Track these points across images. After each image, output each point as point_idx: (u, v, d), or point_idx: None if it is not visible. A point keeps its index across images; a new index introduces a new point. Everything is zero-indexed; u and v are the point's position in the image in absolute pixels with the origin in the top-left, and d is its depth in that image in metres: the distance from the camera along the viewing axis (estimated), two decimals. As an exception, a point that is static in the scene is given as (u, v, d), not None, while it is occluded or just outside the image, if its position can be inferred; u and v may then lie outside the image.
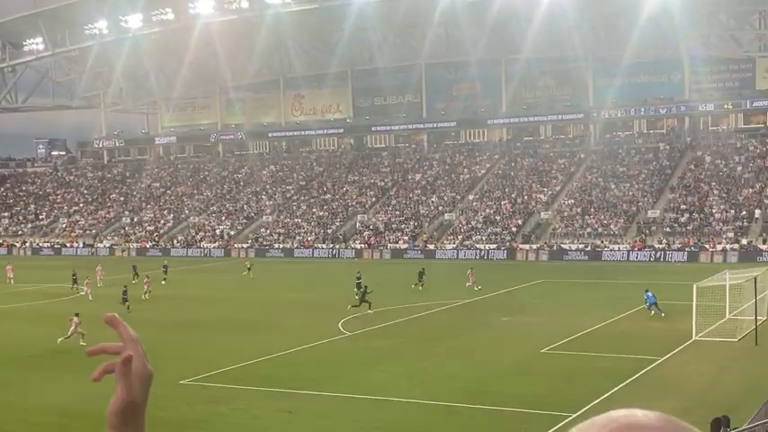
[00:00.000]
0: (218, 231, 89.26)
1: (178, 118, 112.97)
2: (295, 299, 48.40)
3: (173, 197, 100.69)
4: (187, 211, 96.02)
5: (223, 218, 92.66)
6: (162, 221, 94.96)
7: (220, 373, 29.39)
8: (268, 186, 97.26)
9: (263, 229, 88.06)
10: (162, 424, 22.96)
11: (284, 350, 33.32)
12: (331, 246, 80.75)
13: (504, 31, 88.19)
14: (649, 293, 40.64)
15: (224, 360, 31.31)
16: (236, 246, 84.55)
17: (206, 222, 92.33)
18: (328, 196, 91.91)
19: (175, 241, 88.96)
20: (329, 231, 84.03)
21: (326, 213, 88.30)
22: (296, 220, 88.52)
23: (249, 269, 60.17)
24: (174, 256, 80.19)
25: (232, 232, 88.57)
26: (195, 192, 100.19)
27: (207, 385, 27.80)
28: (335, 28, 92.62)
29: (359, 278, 47.94)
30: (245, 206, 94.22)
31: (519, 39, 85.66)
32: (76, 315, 34.47)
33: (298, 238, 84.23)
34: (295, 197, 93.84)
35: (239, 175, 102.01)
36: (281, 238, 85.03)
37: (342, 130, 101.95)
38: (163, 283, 55.87)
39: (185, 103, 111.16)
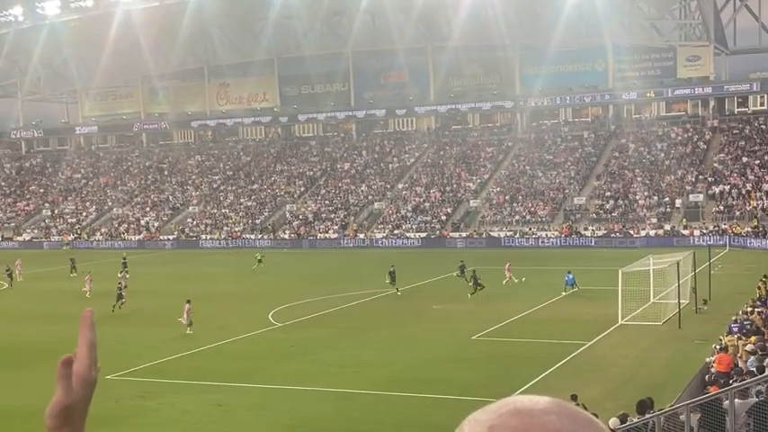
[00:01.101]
0: (142, 223, 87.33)
1: (99, 107, 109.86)
2: (225, 290, 47.52)
3: (95, 188, 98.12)
4: (110, 203, 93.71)
5: (148, 209, 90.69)
6: (84, 213, 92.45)
7: (148, 367, 28.76)
8: (194, 176, 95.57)
9: (189, 220, 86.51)
10: (88, 420, 22.16)
11: (213, 342, 32.74)
12: (259, 235, 79.84)
13: (431, 20, 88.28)
14: (570, 276, 41.50)
15: (151, 354, 30.65)
16: (161, 237, 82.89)
17: (130, 214, 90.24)
18: (256, 186, 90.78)
19: (99, 233, 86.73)
20: (257, 222, 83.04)
21: (254, 203, 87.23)
22: (223, 210, 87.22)
23: (260, 261, 57.70)
24: (97, 249, 78.21)
25: (157, 223, 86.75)
26: (118, 182, 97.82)
27: (134, 380, 27.15)
28: (260, 16, 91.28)
29: (462, 266, 47.77)
30: (171, 197, 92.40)
31: (446, 27, 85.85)
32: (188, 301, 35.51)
33: (225, 228, 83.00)
34: (222, 187, 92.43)
35: (164, 165, 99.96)
36: (209, 228, 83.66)
37: (269, 119, 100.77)
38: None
39: (107, 91, 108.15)
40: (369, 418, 22.85)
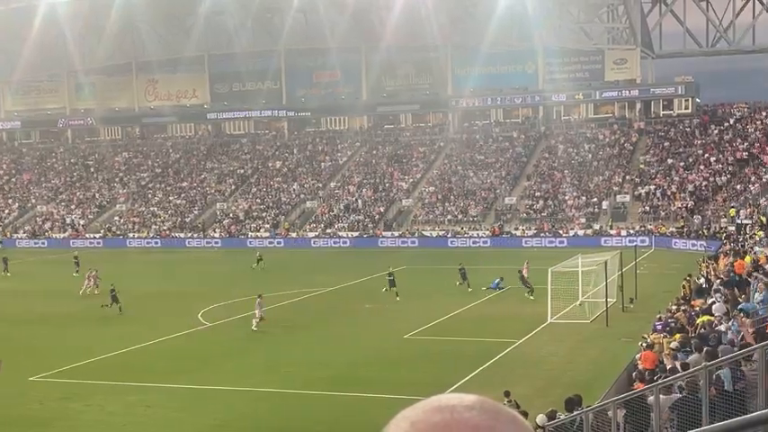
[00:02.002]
0: (67, 221, 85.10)
1: (22, 102, 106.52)
2: (154, 290, 46.55)
3: (17, 185, 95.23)
4: (33, 200, 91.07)
5: (73, 207, 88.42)
6: (6, 211, 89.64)
7: (73, 369, 28.05)
8: (121, 173, 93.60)
9: (116, 218, 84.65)
10: (12, 423, 21.53)
11: (141, 343, 32.10)
12: (188, 234, 78.62)
13: (364, 19, 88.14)
14: (496, 281, 42.13)
15: (77, 355, 29.85)
16: (87, 236, 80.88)
17: (54, 211, 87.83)
18: (185, 184, 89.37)
19: (21, 231, 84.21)
20: (187, 220, 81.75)
21: (184, 201, 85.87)
22: (151, 208, 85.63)
23: (259, 260, 55.64)
24: (20, 248, 75.94)
25: (83, 221, 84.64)
26: (42, 179, 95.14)
27: (59, 381, 26.50)
28: (190, 11, 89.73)
29: (463, 271, 44.32)
30: (97, 194, 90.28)
31: (379, 27, 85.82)
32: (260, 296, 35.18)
33: (154, 227, 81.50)
34: (150, 185, 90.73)
35: (90, 162, 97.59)
36: (136, 227, 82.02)
37: (199, 116, 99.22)
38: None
39: (30, 86, 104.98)
40: (299, 418, 22.59)
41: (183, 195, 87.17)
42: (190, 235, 78.62)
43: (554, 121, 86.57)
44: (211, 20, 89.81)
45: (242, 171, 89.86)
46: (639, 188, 71.34)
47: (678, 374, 13.99)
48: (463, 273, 44.07)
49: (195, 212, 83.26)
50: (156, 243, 77.63)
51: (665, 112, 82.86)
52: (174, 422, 22.49)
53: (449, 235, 70.54)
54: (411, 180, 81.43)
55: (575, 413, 16.05)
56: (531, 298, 39.34)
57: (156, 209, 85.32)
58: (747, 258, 28.33)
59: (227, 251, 70.91)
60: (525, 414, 16.58)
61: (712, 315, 21.20)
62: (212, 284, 48.01)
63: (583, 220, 69.13)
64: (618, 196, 71.12)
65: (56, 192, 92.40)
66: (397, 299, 40.31)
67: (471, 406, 1.49)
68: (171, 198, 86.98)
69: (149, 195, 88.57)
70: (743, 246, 37.35)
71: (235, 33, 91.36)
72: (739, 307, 18.68)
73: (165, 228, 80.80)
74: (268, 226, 77.92)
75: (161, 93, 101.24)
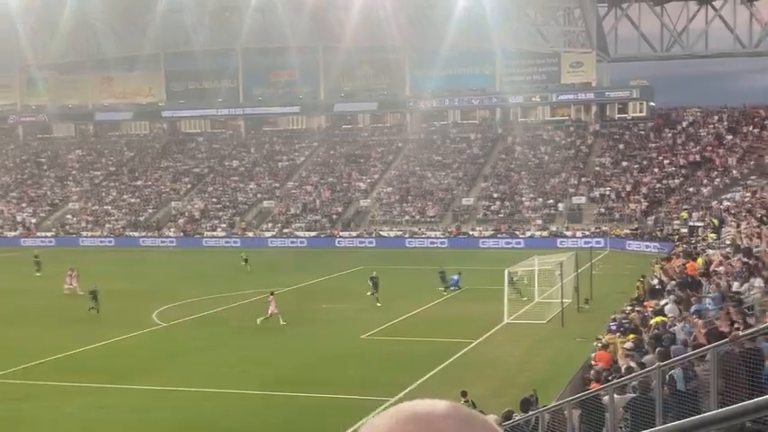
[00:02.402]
0: (18, 219, 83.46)
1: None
2: (108, 289, 45.71)
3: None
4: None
5: (24, 205, 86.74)
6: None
7: (26, 369, 27.53)
8: (75, 171, 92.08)
9: (69, 217, 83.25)
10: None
11: (95, 343, 31.63)
12: (143, 232, 77.64)
13: (322, 19, 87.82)
14: (455, 277, 42.12)
15: (30, 355, 29.26)
16: (38, 234, 79.41)
17: (5, 209, 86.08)
18: (140, 182, 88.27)
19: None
20: (141, 219, 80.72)
21: (138, 200, 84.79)
22: (105, 207, 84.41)
23: (246, 261, 54.27)
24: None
25: (34, 220, 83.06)
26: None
27: (11, 382, 25.99)
28: (147, 9, 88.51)
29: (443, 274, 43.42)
30: (49, 192, 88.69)
31: (338, 27, 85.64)
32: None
33: (107, 225, 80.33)
34: (104, 183, 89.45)
35: (42, 160, 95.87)
36: (90, 225, 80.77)
37: (154, 115, 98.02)
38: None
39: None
40: (255, 419, 22.40)
41: (137, 194, 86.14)
42: (144, 234, 77.70)
43: (511, 122, 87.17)
44: (168, 18, 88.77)
45: (198, 170, 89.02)
46: (595, 190, 72.14)
47: (632, 375, 14.09)
48: (442, 276, 43.09)
49: (150, 211, 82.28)
50: (110, 242, 76.60)
51: (620, 115, 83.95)
52: (129, 424, 22.20)
53: (406, 235, 70.61)
54: (369, 180, 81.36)
55: (529, 413, 16.09)
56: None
57: (109, 207, 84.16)
58: (699, 260, 28.71)
59: (183, 251, 70.19)
60: (482, 414, 16.64)
61: (665, 316, 21.42)
62: (167, 284, 47.42)
63: (539, 222, 69.68)
64: (573, 198, 71.83)
65: (6, 189, 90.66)
66: (378, 305, 38.60)
67: (446, 414, 1.43)
68: (125, 197, 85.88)
69: (103, 194, 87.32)
70: (695, 248, 37.86)
71: (192, 32, 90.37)
72: (693, 309, 18.89)
73: (119, 226, 79.74)
74: (224, 225, 77.29)
75: (116, 90, 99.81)
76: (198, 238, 75.28)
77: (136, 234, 77.89)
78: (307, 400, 23.84)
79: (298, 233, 74.18)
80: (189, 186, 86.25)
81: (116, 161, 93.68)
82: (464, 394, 19.01)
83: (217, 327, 35.04)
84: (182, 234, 76.55)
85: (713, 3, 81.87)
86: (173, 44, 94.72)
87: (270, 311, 34.39)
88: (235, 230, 76.01)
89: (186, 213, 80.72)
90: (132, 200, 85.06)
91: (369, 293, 39.93)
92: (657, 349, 15.43)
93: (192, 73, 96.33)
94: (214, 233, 76.29)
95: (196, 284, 46.68)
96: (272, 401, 23.70)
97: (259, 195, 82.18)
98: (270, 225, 76.75)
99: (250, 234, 74.97)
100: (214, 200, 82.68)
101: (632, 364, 16.66)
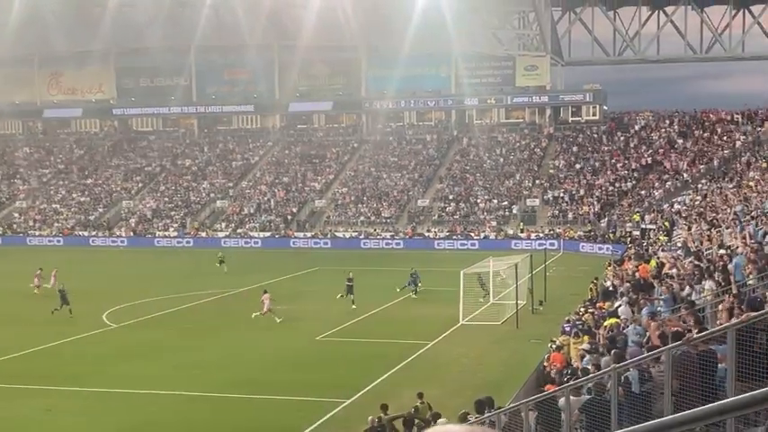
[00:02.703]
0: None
1: None
2: (53, 290, 44.77)
3: None
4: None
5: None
6: None
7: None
8: (22, 169, 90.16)
9: (16, 215, 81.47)
10: None
11: (42, 344, 30.95)
12: (93, 232, 76.29)
13: (278, 18, 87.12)
14: (413, 275, 42.06)
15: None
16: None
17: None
18: (90, 181, 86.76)
19: None
20: (91, 218, 79.33)
21: (88, 199, 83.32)
22: (54, 205, 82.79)
23: (222, 262, 52.60)
24: None
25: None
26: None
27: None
28: (97, 3, 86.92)
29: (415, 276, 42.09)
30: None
31: (293, 26, 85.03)
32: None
33: (56, 224, 78.79)
34: (53, 181, 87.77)
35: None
36: (38, 224, 79.14)
37: (104, 112, 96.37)
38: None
39: None
40: (208, 421, 22.04)
41: (87, 193, 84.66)
42: (95, 233, 76.37)
43: (466, 124, 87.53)
44: (120, 13, 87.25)
45: (150, 169, 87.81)
46: (549, 192, 72.74)
47: (587, 376, 14.10)
48: (414, 279, 41.73)
49: (100, 210, 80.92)
50: (59, 241, 75.15)
51: (573, 119, 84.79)
52: (77, 427, 21.74)
53: (362, 236, 70.44)
54: (324, 181, 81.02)
55: (485, 415, 16.01)
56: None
57: (58, 206, 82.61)
58: (652, 263, 29.03)
59: (134, 251, 69.15)
60: (438, 415, 16.50)
61: (618, 317, 21.57)
62: (117, 285, 46.56)
63: (494, 223, 70.03)
64: (528, 200, 72.35)
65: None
66: (353, 307, 37.60)
67: None
68: (74, 195, 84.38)
69: (52, 192, 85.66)
70: (647, 250, 38.33)
71: (145, 28, 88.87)
72: (644, 311, 19.03)
73: (68, 226, 78.27)
74: (177, 225, 76.32)
75: (65, 87, 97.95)
76: (150, 238, 74.23)
77: (86, 233, 76.55)
78: (260, 402, 23.53)
79: (252, 233, 73.54)
80: (140, 185, 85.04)
81: (65, 159, 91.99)
82: (420, 396, 18.88)
83: (169, 328, 34.50)
84: (132, 234, 75.39)
85: (665, 8, 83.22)
86: (124, 40, 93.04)
87: (265, 309, 34.41)
88: (187, 230, 75.09)
89: (138, 213, 79.54)
90: (82, 199, 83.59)
91: (339, 296, 38.89)
92: (613, 351, 15.48)
93: (144, 70, 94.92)
94: (166, 233, 75.28)
95: (148, 285, 45.94)
96: (224, 404, 23.35)
97: (212, 195, 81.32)
98: (223, 225, 75.96)
99: (203, 234, 74.15)
100: (166, 199, 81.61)
101: (588, 366, 16.70)
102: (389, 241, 68.96)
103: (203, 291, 43.52)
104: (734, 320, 9.67)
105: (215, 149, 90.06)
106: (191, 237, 73.58)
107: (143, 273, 52.95)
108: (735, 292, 15.56)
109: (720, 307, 14.19)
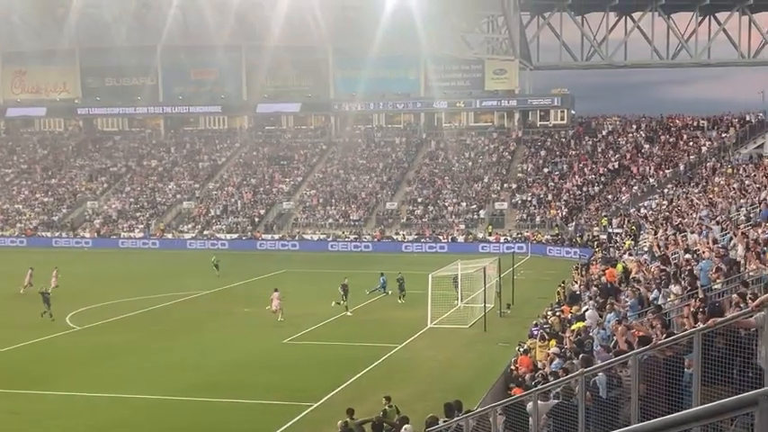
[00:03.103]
0: (-77, 218, 79.94)
1: None
2: (16, 292, 44.04)
3: None
4: None
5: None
6: None
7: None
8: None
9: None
10: None
11: (5, 347, 30.44)
12: (56, 233, 75.19)
13: (245, 18, 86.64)
14: (383, 278, 41.97)
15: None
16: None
17: None
18: (54, 181, 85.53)
19: None
20: (55, 219, 78.19)
21: (52, 199, 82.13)
22: (16, 206, 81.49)
23: (216, 265, 51.03)
24: None
25: (-60, 219, 79.68)
26: None
27: None
28: (61, 3, 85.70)
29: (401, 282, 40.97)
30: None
31: (261, 27, 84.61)
32: None
33: (19, 225, 77.55)
34: (15, 181, 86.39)
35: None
36: (0, 225, 77.85)
37: (69, 111, 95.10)
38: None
39: None
40: (174, 425, 21.78)
41: (50, 193, 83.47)
42: (58, 234, 75.31)
43: (435, 127, 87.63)
44: (86, 12, 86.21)
45: (115, 169, 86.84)
46: (517, 196, 73.03)
47: (555, 381, 14.07)
48: (401, 284, 40.62)
49: (64, 211, 79.79)
50: (22, 242, 74.00)
51: (542, 123, 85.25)
52: (44, 430, 21.40)
53: (330, 239, 70.20)
54: (292, 183, 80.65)
55: (454, 419, 15.92)
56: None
57: (21, 206, 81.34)
58: (619, 266, 29.19)
59: (98, 252, 68.29)
60: (406, 419, 16.36)
61: (585, 321, 21.65)
62: (82, 286, 45.87)
63: (462, 227, 70.13)
64: (496, 203, 72.56)
65: None
66: (349, 313, 37.11)
67: None
68: (38, 195, 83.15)
69: (14, 192, 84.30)
70: (614, 254, 38.59)
71: (110, 27, 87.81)
72: (610, 315, 19.10)
73: (30, 226, 77.08)
74: (142, 226, 75.50)
75: (29, 85, 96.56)
76: (114, 239, 73.37)
77: (48, 234, 75.47)
78: (227, 405, 23.25)
79: (218, 235, 72.95)
80: (105, 186, 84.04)
81: (28, 159, 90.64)
82: (388, 399, 18.77)
83: (134, 330, 34.07)
84: (96, 235, 74.45)
85: (632, 14, 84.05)
86: (90, 39, 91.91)
87: (275, 307, 35.02)
88: (153, 232, 74.33)
89: (102, 214, 78.58)
90: (45, 199, 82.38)
91: (334, 303, 38.09)
92: (581, 356, 15.48)
93: (109, 69, 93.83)
94: (131, 234, 74.45)
95: (112, 287, 45.35)
96: (191, 407, 23.08)
97: (178, 196, 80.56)
98: (189, 227, 75.27)
99: (169, 236, 73.42)
100: (132, 200, 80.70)
101: (558, 370, 16.69)
102: (357, 244, 68.79)
103: (169, 293, 43.05)
104: (700, 325, 9.67)
105: (182, 150, 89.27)
106: (156, 238, 72.83)
107: (108, 275, 52.26)
108: (701, 296, 15.64)
109: (685, 311, 14.24)
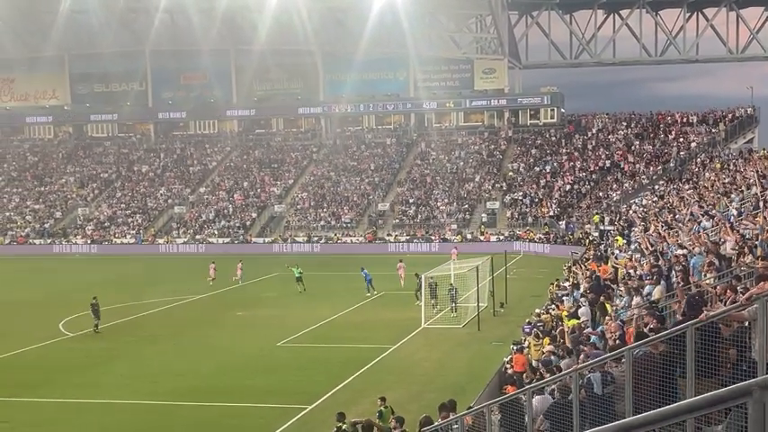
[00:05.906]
0: None
1: None
2: (11, 299, 43.92)
3: None
4: None
5: None
6: None
7: None
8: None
9: (-32, 224, 79.83)
10: None
11: (-2, 355, 30.20)
12: (48, 240, 74.99)
13: (233, 22, 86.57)
14: (365, 271, 41.96)
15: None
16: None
17: None
18: (45, 188, 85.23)
19: None
20: (46, 226, 77.93)
21: (43, 206, 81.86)
22: (7, 213, 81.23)
23: (299, 279, 49.07)
24: None
25: (-71, 228, 79.34)
26: None
27: None
28: (48, 9, 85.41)
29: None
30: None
31: (250, 30, 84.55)
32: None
33: (10, 233, 77.26)
34: (6, 189, 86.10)
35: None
36: (-9, 233, 77.75)
37: (59, 118, 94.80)
38: None
39: None
40: (168, 429, 21.69)
41: (41, 200, 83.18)
42: (50, 241, 75.06)
43: (425, 128, 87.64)
44: (73, 18, 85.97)
45: (106, 175, 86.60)
46: (508, 195, 73.11)
47: (550, 378, 14.09)
48: (420, 283, 37.99)
49: (56, 218, 79.52)
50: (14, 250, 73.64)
51: (531, 122, 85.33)
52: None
53: (322, 241, 70.15)
54: (283, 186, 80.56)
55: (449, 419, 15.92)
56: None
57: (12, 214, 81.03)
58: (610, 264, 29.25)
59: (91, 258, 68.05)
60: (401, 419, 16.35)
61: (578, 319, 21.70)
62: (74, 293, 45.73)
63: (454, 227, 70.17)
64: (488, 203, 72.62)
65: None
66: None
67: None
68: (29, 203, 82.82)
69: (5, 200, 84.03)
70: (605, 252, 38.63)
71: (97, 33, 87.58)
72: (604, 312, 19.16)
73: (22, 234, 76.80)
74: (134, 232, 75.31)
75: (17, 92, 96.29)
76: (106, 245, 73.16)
77: (40, 242, 75.23)
78: (221, 409, 23.20)
79: (210, 239, 72.82)
80: (96, 192, 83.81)
81: (18, 166, 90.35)
82: (383, 400, 18.75)
83: (127, 336, 34.00)
84: (89, 241, 74.25)
85: (620, 12, 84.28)
86: (78, 45, 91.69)
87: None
88: (145, 237, 74.15)
89: (94, 220, 78.36)
90: (36, 206, 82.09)
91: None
92: (576, 352, 15.52)
93: (98, 75, 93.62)
94: (123, 240, 74.27)
95: (105, 293, 45.18)
96: (184, 411, 23.00)
97: (170, 201, 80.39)
98: (181, 231, 75.12)
99: (160, 241, 73.26)
100: (123, 206, 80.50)
101: (554, 366, 16.71)
102: (350, 246, 68.73)
103: (162, 298, 42.96)
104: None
105: (172, 155, 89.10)
106: (148, 243, 72.66)
107: (100, 281, 52.08)
108: (693, 291, 15.67)
109: (677, 307, 14.29)
